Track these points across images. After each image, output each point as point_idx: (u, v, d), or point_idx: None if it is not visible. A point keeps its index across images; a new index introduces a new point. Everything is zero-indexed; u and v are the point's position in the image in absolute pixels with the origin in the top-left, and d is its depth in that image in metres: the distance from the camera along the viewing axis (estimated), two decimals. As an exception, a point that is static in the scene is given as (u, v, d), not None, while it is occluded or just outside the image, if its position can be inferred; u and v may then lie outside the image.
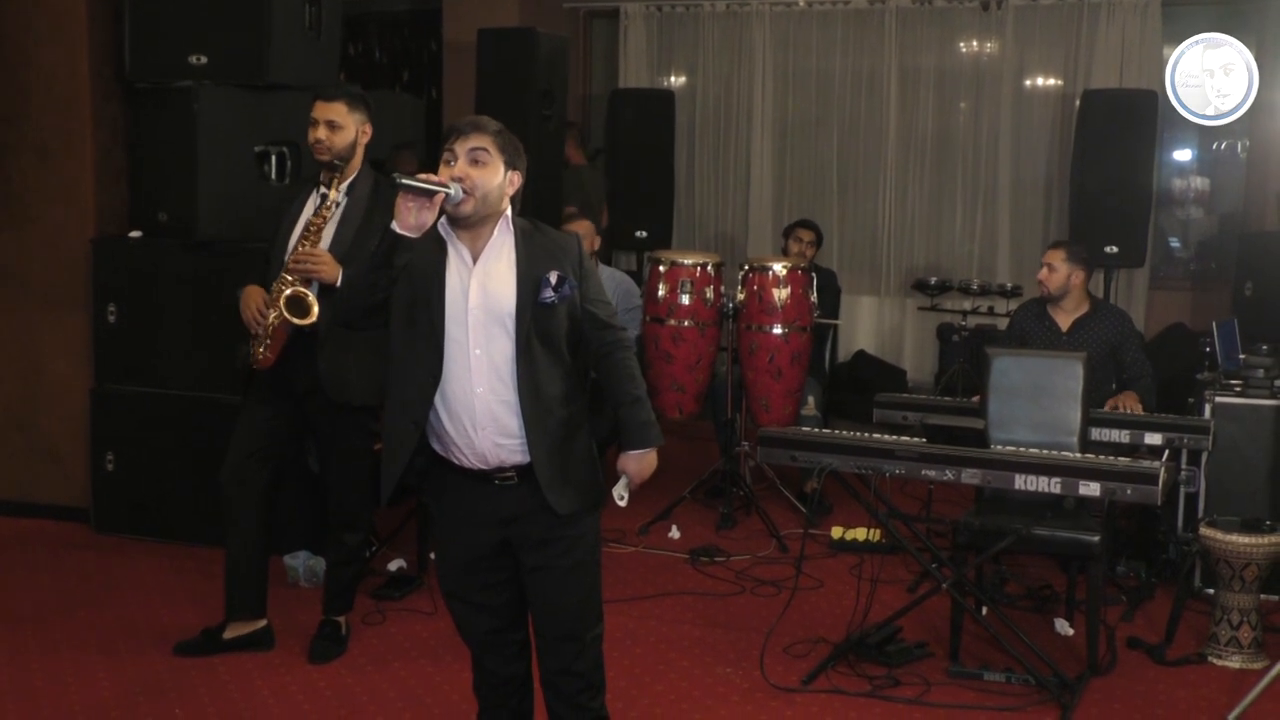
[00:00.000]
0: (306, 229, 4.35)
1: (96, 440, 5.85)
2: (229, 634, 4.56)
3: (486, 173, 3.08)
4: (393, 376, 3.19)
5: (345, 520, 4.61)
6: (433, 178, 3.01)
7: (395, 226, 2.99)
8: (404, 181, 2.95)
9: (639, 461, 3.24)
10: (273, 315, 4.33)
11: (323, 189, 4.39)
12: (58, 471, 6.01)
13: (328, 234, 4.38)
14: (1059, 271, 5.56)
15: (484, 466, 3.13)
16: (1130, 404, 5.37)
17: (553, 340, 3.13)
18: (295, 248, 4.34)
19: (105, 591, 5.18)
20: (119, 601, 5.07)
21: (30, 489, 6.06)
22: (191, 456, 5.57)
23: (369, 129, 4.48)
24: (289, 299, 4.27)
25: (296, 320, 4.28)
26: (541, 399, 3.10)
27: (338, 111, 4.38)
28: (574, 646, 3.24)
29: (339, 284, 4.16)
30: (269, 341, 4.36)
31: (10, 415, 6.07)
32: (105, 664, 4.48)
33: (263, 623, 4.62)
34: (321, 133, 4.37)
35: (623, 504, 3.27)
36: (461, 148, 3.08)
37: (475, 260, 3.12)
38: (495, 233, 3.14)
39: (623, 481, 3.25)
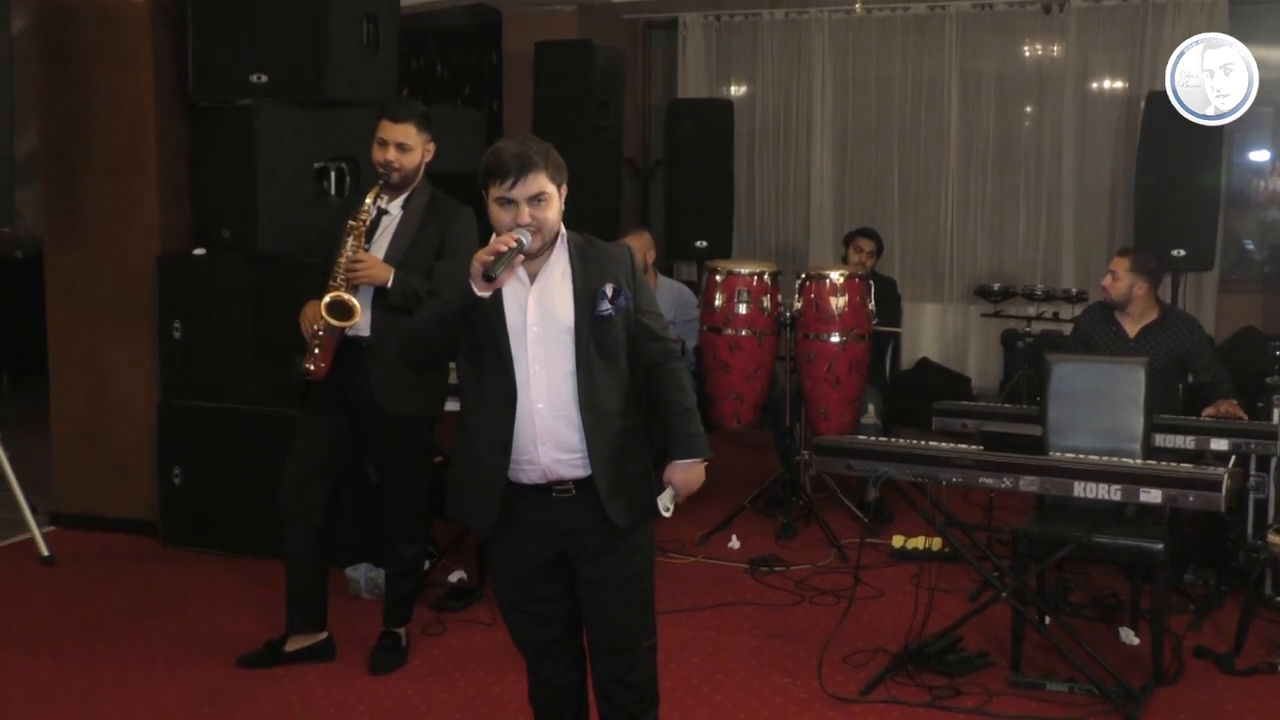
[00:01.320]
0: (349, 233, 4.35)
1: (163, 454, 5.92)
2: (291, 646, 4.60)
3: (547, 209, 3.07)
4: (468, 403, 3.19)
5: (402, 532, 4.64)
6: (509, 241, 2.98)
7: (475, 289, 2.97)
8: (496, 274, 2.92)
9: (686, 472, 3.24)
10: (319, 324, 4.37)
11: (368, 200, 4.42)
12: (126, 485, 6.09)
13: (381, 245, 4.42)
14: (1121, 281, 5.48)
15: (542, 481, 3.13)
16: (1231, 410, 5.25)
17: (610, 353, 3.14)
18: (340, 255, 4.37)
19: (171, 603, 5.25)
20: (184, 613, 5.14)
21: (99, 503, 6.15)
22: (256, 471, 5.60)
23: (432, 147, 4.50)
24: (329, 304, 4.30)
25: (336, 322, 4.31)
26: (601, 413, 3.10)
27: (407, 134, 4.41)
28: (628, 658, 3.23)
29: (401, 325, 4.17)
30: (318, 351, 4.39)
31: (79, 430, 6.17)
32: (170, 674, 4.55)
33: (324, 635, 4.66)
34: (392, 154, 4.39)
35: (667, 515, 3.25)
36: (520, 194, 3.03)
37: (532, 279, 3.13)
38: (551, 250, 3.15)
39: (668, 492, 3.24)
